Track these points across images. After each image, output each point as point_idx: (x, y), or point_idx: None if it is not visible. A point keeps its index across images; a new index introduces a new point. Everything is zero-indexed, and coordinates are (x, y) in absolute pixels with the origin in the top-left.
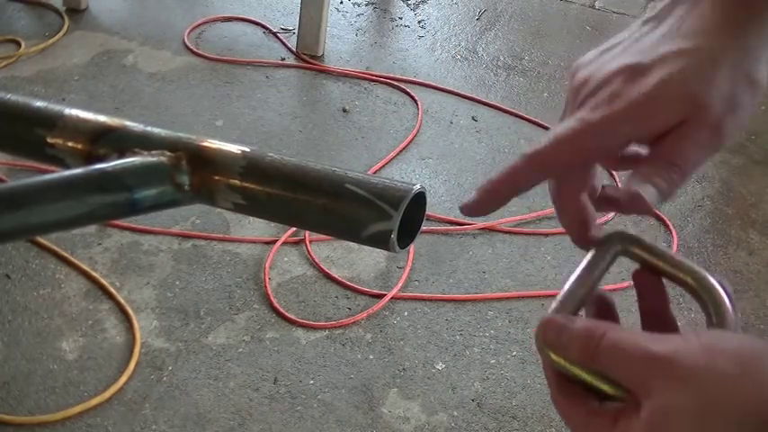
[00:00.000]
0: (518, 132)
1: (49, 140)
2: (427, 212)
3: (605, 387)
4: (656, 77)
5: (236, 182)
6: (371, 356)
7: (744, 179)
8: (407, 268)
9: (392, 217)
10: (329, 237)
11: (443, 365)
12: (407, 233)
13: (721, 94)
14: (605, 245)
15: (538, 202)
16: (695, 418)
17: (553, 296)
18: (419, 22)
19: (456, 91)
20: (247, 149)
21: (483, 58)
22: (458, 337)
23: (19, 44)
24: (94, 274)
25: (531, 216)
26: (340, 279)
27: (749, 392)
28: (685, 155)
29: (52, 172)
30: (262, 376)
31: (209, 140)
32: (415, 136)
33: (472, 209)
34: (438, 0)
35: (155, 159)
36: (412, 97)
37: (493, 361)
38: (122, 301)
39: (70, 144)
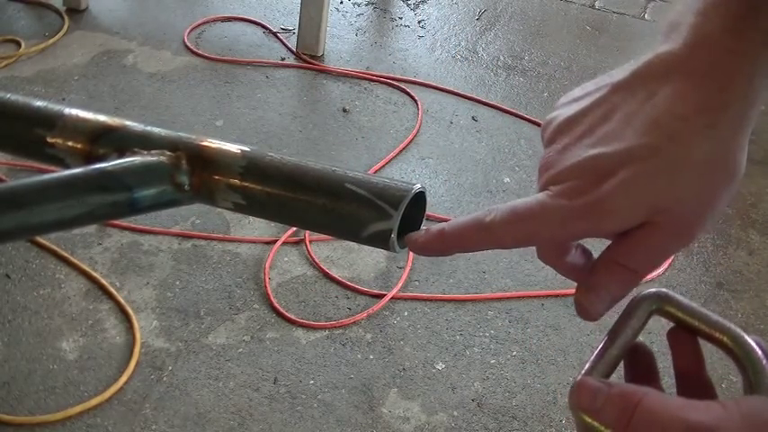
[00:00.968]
0: (518, 132)
1: (49, 140)
2: (427, 212)
3: None
4: (619, 179)
5: (236, 182)
6: (371, 356)
7: (744, 179)
8: (407, 268)
9: (392, 217)
10: (329, 237)
11: (443, 365)
12: (408, 233)
13: (689, 195)
14: (639, 303)
15: None
16: None
17: (553, 296)
18: (419, 22)
19: (456, 91)
20: (247, 149)
21: (483, 58)
22: (458, 337)
23: (19, 44)
24: (94, 274)
25: None
26: (340, 279)
27: None
28: (643, 260)
29: (52, 172)
30: (262, 376)
31: (209, 140)
32: (415, 136)
33: (416, 247)
34: (438, 0)
35: (155, 159)
36: (412, 97)
37: (493, 361)
38: (122, 301)
39: (70, 144)
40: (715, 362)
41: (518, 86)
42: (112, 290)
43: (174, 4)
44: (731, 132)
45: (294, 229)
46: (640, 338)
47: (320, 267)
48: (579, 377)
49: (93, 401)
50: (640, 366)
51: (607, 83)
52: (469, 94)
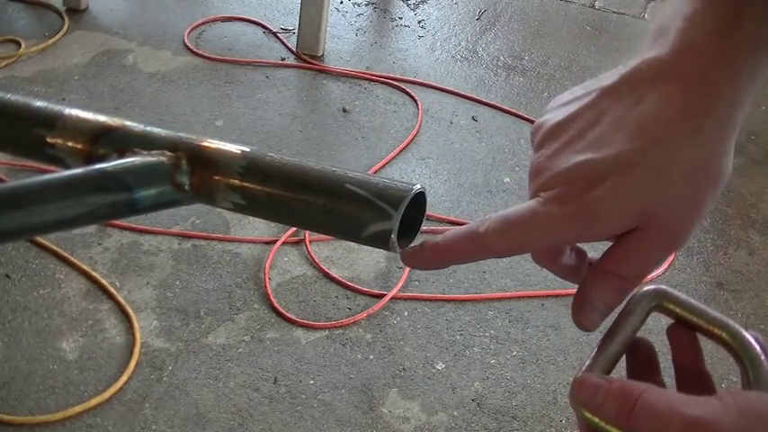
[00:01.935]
0: (518, 132)
1: (49, 140)
2: (427, 212)
3: None
4: (608, 185)
5: (236, 182)
6: (371, 356)
7: (744, 179)
8: (407, 268)
9: (392, 217)
10: (329, 237)
11: (443, 365)
12: (407, 233)
13: (676, 200)
14: (639, 299)
15: None
16: None
17: (553, 296)
18: (419, 22)
19: (456, 91)
20: (247, 149)
21: (483, 58)
22: (458, 337)
23: (19, 44)
24: (94, 274)
25: None
26: (340, 279)
27: None
28: (634, 267)
29: (52, 172)
30: (262, 376)
31: (209, 140)
32: (415, 136)
33: (412, 262)
34: (438, 0)
35: (155, 159)
36: (412, 97)
37: (493, 361)
38: (122, 301)
39: (70, 144)
40: (715, 362)
41: (518, 86)
42: (112, 290)
43: (174, 4)
44: (717, 136)
45: (294, 229)
46: (641, 334)
47: (320, 267)
48: (580, 373)
49: (93, 401)
50: (642, 362)
51: (596, 87)
52: (469, 94)
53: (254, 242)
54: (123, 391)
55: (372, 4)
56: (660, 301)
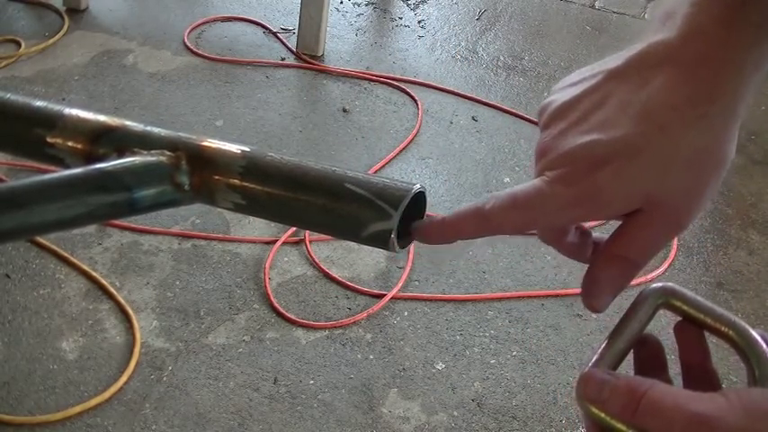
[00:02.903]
0: (518, 132)
1: (49, 140)
2: (427, 212)
3: None
4: (613, 167)
5: (236, 182)
6: (371, 356)
7: (744, 179)
8: (407, 268)
9: (392, 216)
10: (329, 237)
11: (443, 365)
12: (407, 233)
13: (680, 185)
14: (646, 297)
15: None
16: None
17: (553, 296)
18: (419, 22)
19: (456, 91)
20: (247, 149)
21: (483, 58)
22: (458, 337)
23: (19, 44)
24: (94, 274)
25: None
26: (340, 279)
27: None
28: (639, 250)
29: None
30: (262, 376)
31: (209, 140)
32: (415, 136)
33: (420, 235)
34: (438, 0)
35: (154, 159)
36: (412, 97)
37: (493, 361)
38: (122, 301)
39: (70, 144)
40: (716, 361)
41: (518, 86)
42: (112, 290)
43: (174, 4)
44: (721, 123)
45: (294, 229)
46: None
47: (320, 267)
48: (586, 369)
49: (93, 401)
50: (649, 359)
51: (603, 69)
52: (469, 94)
53: (254, 242)
54: (123, 391)
55: (372, 4)
56: (667, 299)
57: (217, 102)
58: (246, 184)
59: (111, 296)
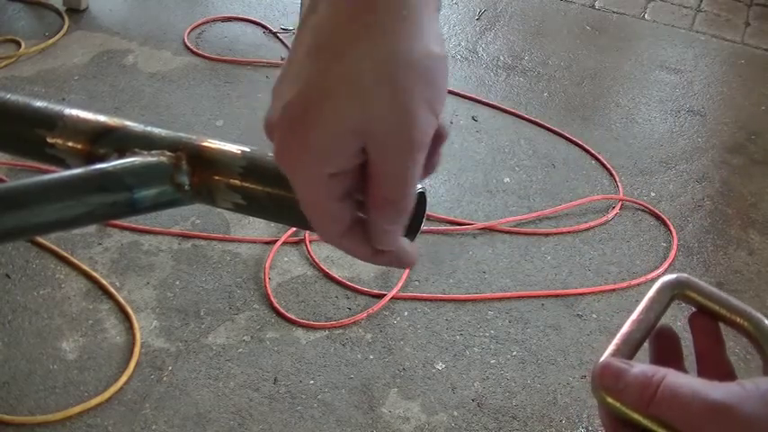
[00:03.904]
0: (518, 132)
1: (49, 140)
2: (427, 212)
3: None
4: (311, 121)
5: (236, 182)
6: (371, 356)
7: (744, 179)
8: (407, 268)
9: None
10: None
11: (443, 365)
12: (408, 233)
13: (383, 107)
14: (662, 288)
15: (538, 202)
16: None
17: (553, 296)
18: None
19: (456, 91)
20: (247, 149)
21: (483, 58)
22: (458, 337)
23: (19, 44)
24: (94, 274)
25: (531, 216)
26: (340, 279)
27: None
28: (392, 185)
29: (52, 172)
30: (262, 376)
31: (209, 140)
32: None
33: None
34: None
35: (155, 159)
36: None
37: (493, 361)
38: (122, 301)
39: (70, 144)
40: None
41: (518, 86)
42: (112, 290)
43: (174, 4)
44: (394, 26)
45: (294, 229)
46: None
47: (320, 267)
48: (602, 359)
49: (93, 401)
50: (665, 350)
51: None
52: (469, 94)
53: (254, 242)
54: (123, 391)
55: None
56: (682, 290)
57: (217, 102)
58: (246, 184)
59: (111, 296)
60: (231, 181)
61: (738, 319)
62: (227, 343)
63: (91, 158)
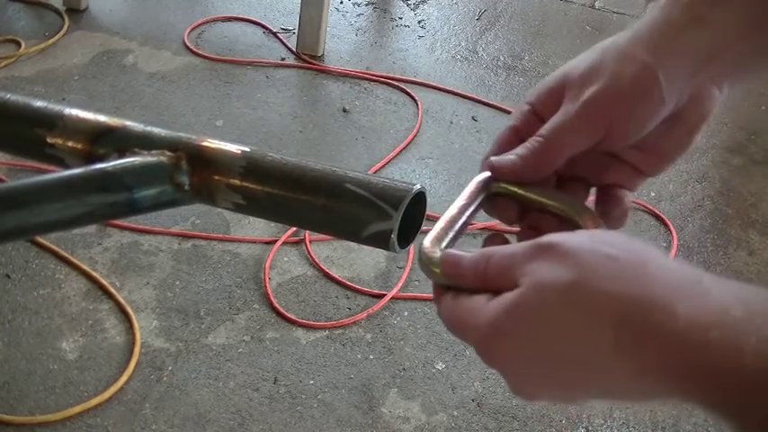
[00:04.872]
0: None
1: (49, 140)
2: (427, 212)
3: None
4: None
5: (236, 182)
6: (371, 356)
7: (744, 179)
8: (407, 268)
9: (392, 217)
10: (329, 237)
11: (443, 365)
12: (408, 233)
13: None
14: (476, 184)
15: None
16: (566, 290)
17: None
18: (419, 22)
19: (456, 91)
20: (247, 149)
21: (483, 58)
22: None
23: (19, 44)
24: (94, 274)
25: None
26: (340, 279)
27: (628, 276)
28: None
29: (52, 172)
30: (262, 376)
31: (209, 140)
32: (415, 136)
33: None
34: (438, 0)
35: (155, 159)
36: (412, 97)
37: None
38: (122, 301)
39: (70, 144)
40: None
41: (518, 86)
42: (112, 290)
43: (174, 4)
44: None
45: (294, 229)
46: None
47: (320, 267)
48: (429, 244)
49: (93, 401)
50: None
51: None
52: (469, 94)
53: (254, 242)
54: (123, 391)
55: (372, 4)
56: (496, 184)
57: (217, 102)
58: (246, 184)
59: (111, 296)
60: (231, 181)
61: (552, 203)
62: (227, 343)
63: (91, 158)
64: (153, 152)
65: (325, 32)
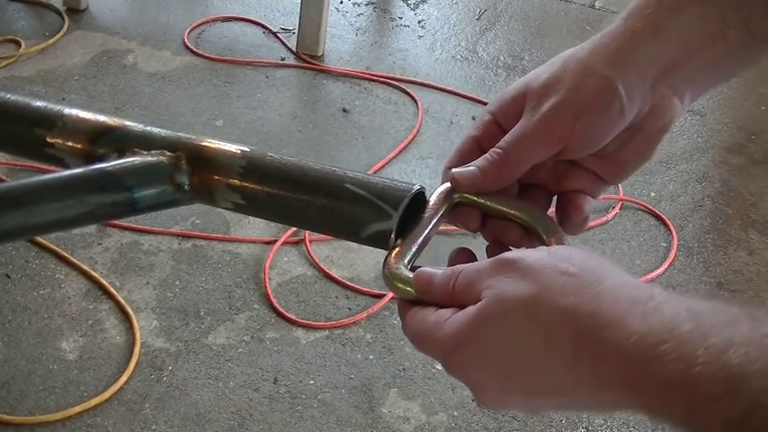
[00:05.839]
0: None
1: (49, 140)
2: None
3: None
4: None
5: (236, 182)
6: (371, 356)
7: (744, 179)
8: None
9: (392, 216)
10: (329, 237)
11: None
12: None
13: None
14: (439, 195)
15: None
16: (525, 305)
17: None
18: (419, 21)
19: (456, 91)
20: (247, 149)
21: (483, 58)
22: None
23: (19, 44)
24: (94, 274)
25: None
26: (340, 279)
27: (584, 293)
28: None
29: (52, 172)
30: (262, 376)
31: (209, 140)
32: (415, 136)
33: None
34: (438, 0)
35: (154, 159)
36: (412, 97)
37: None
38: (122, 301)
39: (70, 144)
40: None
41: None
42: (112, 290)
43: (174, 4)
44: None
45: (294, 229)
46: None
47: (320, 267)
48: (393, 261)
49: (93, 401)
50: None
51: None
52: (469, 94)
53: (254, 242)
54: (123, 391)
55: (372, 4)
56: (459, 195)
57: (217, 102)
58: (246, 184)
59: (111, 296)
60: (231, 181)
61: (513, 212)
62: (227, 343)
63: (90, 158)
64: (153, 152)
65: (325, 32)
